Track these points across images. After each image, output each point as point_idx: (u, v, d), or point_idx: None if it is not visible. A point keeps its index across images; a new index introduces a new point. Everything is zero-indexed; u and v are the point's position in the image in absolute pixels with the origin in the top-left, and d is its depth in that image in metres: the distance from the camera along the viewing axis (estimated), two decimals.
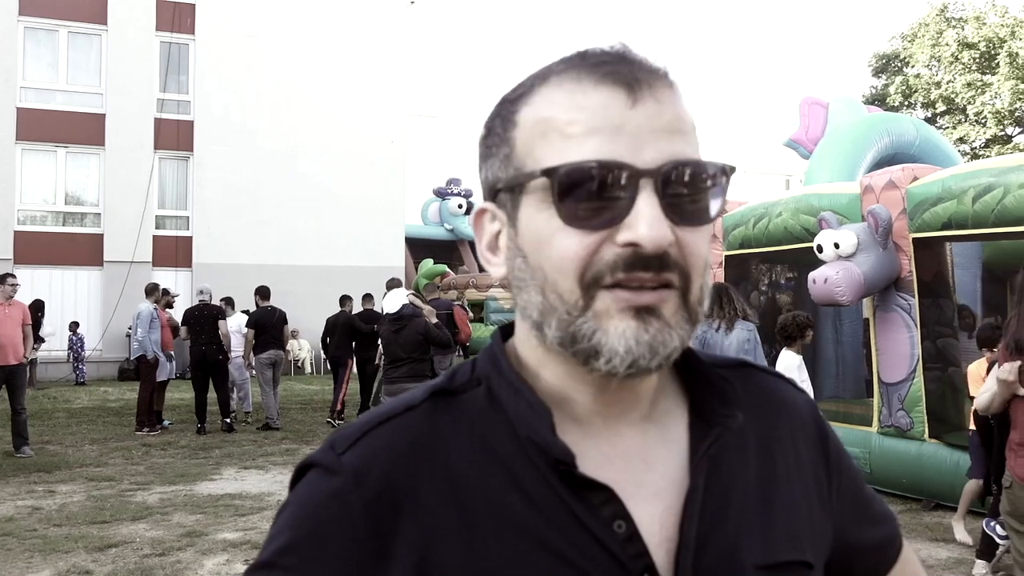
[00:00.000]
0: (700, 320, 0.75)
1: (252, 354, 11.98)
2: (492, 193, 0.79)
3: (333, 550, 0.72)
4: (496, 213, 0.79)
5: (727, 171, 0.75)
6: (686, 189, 0.72)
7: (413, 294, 9.01)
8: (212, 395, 11.62)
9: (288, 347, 20.55)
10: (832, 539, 0.88)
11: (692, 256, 0.73)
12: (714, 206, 0.74)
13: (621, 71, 0.73)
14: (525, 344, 0.80)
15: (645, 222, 0.70)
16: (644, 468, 0.78)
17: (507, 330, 0.85)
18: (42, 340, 17.20)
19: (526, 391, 0.77)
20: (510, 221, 0.77)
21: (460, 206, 25.93)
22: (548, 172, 0.72)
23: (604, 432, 0.78)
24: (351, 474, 0.74)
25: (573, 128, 0.72)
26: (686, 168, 0.72)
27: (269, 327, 12.08)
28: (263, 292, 12.35)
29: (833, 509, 0.89)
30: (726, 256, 9.35)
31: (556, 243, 0.72)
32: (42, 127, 19.81)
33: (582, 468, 0.73)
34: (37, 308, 16.99)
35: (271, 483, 8.33)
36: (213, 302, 11.98)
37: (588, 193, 0.71)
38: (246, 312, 13.04)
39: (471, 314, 17.82)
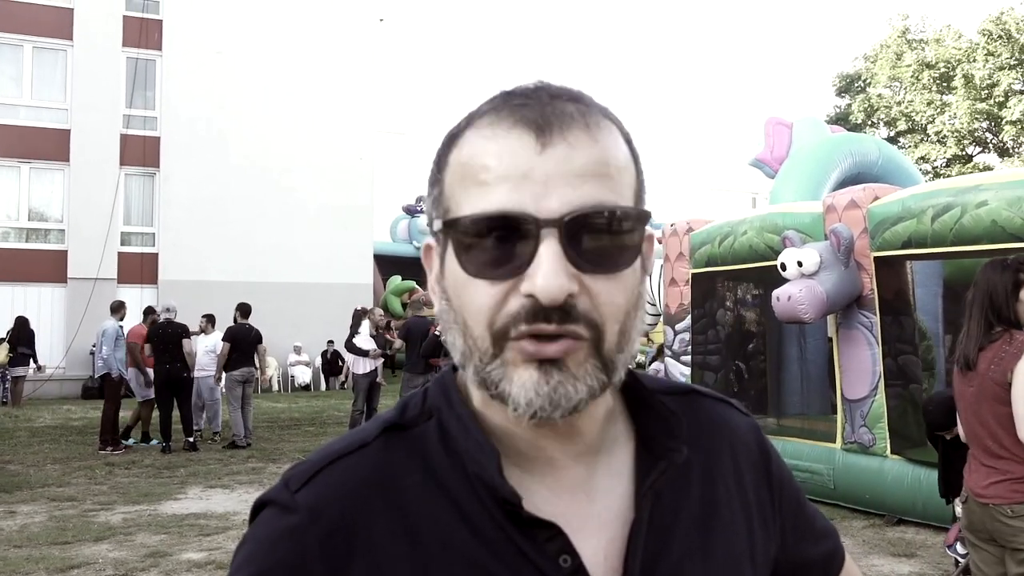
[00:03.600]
0: (618, 367, 0.74)
1: (223, 371, 11.91)
2: (432, 233, 0.80)
3: None
4: (435, 250, 0.80)
5: (642, 216, 0.74)
6: (596, 237, 0.71)
7: (382, 315, 8.96)
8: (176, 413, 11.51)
9: (257, 365, 20.51)
10: (776, 558, 0.90)
11: (604, 305, 0.72)
12: (630, 253, 0.74)
13: (532, 115, 0.72)
14: None
15: (541, 273, 0.69)
16: (588, 501, 0.79)
17: None
18: (35, 360, 16.93)
19: (474, 429, 0.77)
20: (440, 262, 0.77)
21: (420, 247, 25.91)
22: (449, 224, 0.73)
23: (548, 468, 0.79)
24: (305, 512, 0.75)
25: (484, 175, 0.72)
26: (592, 216, 0.71)
27: (245, 344, 12.04)
28: (244, 309, 12.28)
29: (776, 529, 0.90)
30: (692, 274, 9.44)
31: (468, 291, 0.73)
32: (6, 142, 19.57)
33: (528, 504, 0.74)
34: (22, 325, 16.74)
35: (236, 502, 8.26)
36: (177, 320, 11.87)
37: (493, 243, 0.71)
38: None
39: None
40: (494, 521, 0.74)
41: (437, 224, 0.76)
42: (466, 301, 0.73)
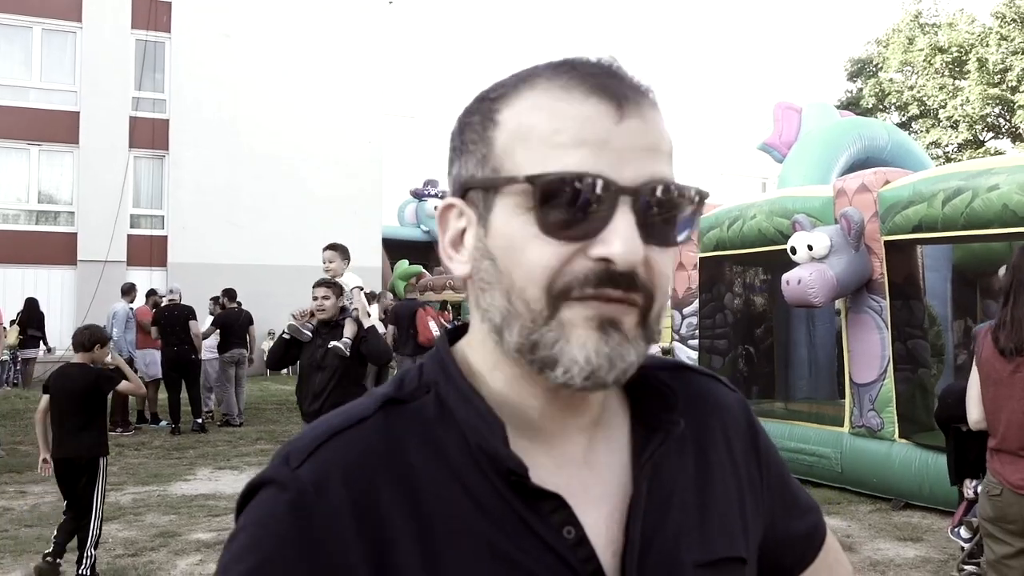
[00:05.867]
0: (655, 339, 0.77)
1: (217, 352, 12.28)
2: (462, 190, 0.78)
3: (301, 567, 0.71)
4: (464, 210, 0.79)
5: (702, 195, 0.76)
6: (661, 210, 0.73)
7: (392, 300, 8.84)
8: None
9: (264, 347, 20.56)
10: (763, 532, 0.91)
11: (659, 276, 0.74)
12: (683, 229, 0.76)
13: (610, 85, 0.74)
14: (479, 347, 0.80)
15: (620, 239, 0.70)
16: (589, 473, 0.80)
17: (453, 333, 0.85)
18: (44, 341, 16.99)
19: (476, 400, 0.77)
20: (480, 221, 0.77)
21: (437, 208, 25.86)
22: (531, 179, 0.72)
23: (553, 438, 0.79)
24: (310, 487, 0.73)
25: (558, 137, 0.72)
26: (664, 189, 0.73)
27: (236, 327, 12.38)
28: (230, 294, 12.68)
29: (764, 504, 0.91)
30: (701, 258, 9.42)
31: (529, 250, 0.72)
32: (15, 125, 19.60)
33: (532, 476, 0.74)
34: (32, 307, 16.81)
35: (245, 483, 8.28)
36: (183, 302, 11.93)
37: (568, 204, 0.71)
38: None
39: (450, 315, 17.80)
40: (497, 493, 0.74)
41: (486, 181, 0.76)
42: (523, 261, 0.73)
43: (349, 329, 5.71)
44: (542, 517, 0.74)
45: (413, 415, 0.78)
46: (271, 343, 21.06)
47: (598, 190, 0.70)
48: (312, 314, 5.88)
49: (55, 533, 5.39)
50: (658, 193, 0.72)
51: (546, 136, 0.72)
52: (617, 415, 0.84)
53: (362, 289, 6.27)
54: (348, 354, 5.60)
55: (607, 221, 0.71)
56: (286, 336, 5.96)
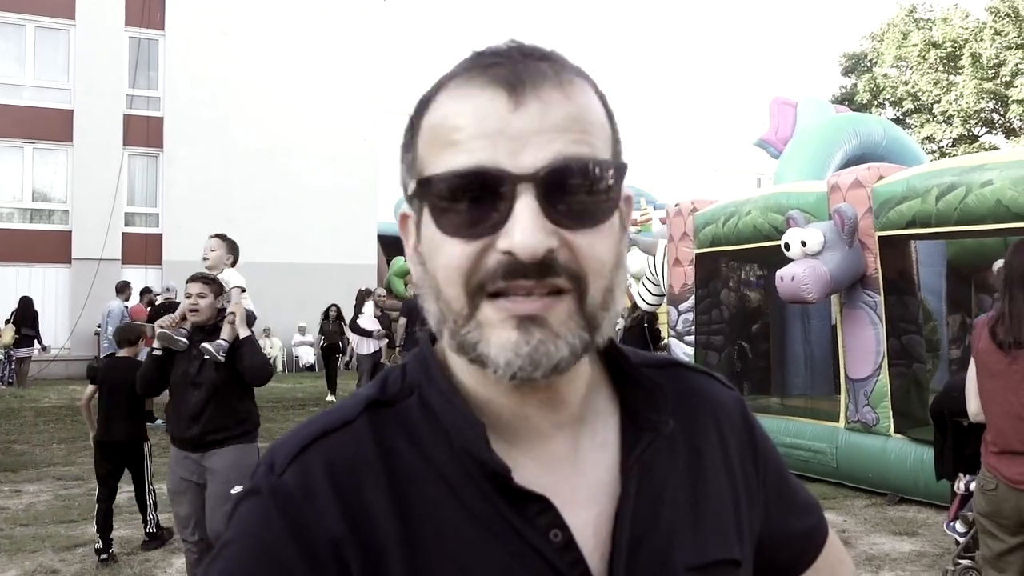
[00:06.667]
0: (602, 324, 0.73)
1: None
2: (407, 199, 0.79)
3: (296, 569, 0.71)
4: (411, 219, 0.79)
5: (620, 168, 0.73)
6: (574, 190, 0.70)
7: (384, 296, 8.57)
8: None
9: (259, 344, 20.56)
10: (759, 532, 0.90)
11: (587, 259, 0.71)
12: (608, 206, 0.72)
13: (504, 73, 0.71)
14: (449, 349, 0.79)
15: (519, 229, 0.68)
16: (575, 473, 0.78)
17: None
18: (39, 341, 16.98)
19: (458, 402, 0.76)
20: (416, 229, 0.77)
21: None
22: (423, 182, 0.72)
23: (534, 437, 0.78)
24: (297, 492, 0.73)
25: (456, 135, 0.71)
26: (569, 169, 0.69)
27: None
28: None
29: (760, 501, 0.90)
30: (697, 254, 9.43)
31: (443, 251, 0.72)
32: (9, 123, 19.55)
33: (517, 477, 0.73)
34: (26, 306, 16.78)
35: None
36: (178, 300, 11.90)
37: (468, 201, 0.70)
38: None
39: None
40: (484, 496, 0.73)
41: (412, 187, 0.75)
42: (441, 263, 0.72)
43: (227, 331, 4.71)
44: (528, 520, 0.73)
45: (398, 418, 0.78)
46: (267, 341, 21.03)
47: (494, 182, 0.69)
48: (184, 318, 4.83)
49: (96, 531, 5.79)
50: (563, 175, 0.69)
51: (447, 136, 0.72)
52: (605, 413, 0.82)
53: (244, 291, 5.20)
54: (222, 359, 4.59)
55: (509, 212, 0.69)
56: (157, 351, 4.76)
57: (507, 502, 0.73)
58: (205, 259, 5.41)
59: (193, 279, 4.77)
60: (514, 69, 0.72)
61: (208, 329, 4.70)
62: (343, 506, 0.72)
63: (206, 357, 4.59)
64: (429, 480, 0.74)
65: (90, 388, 6.20)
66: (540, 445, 0.78)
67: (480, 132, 0.70)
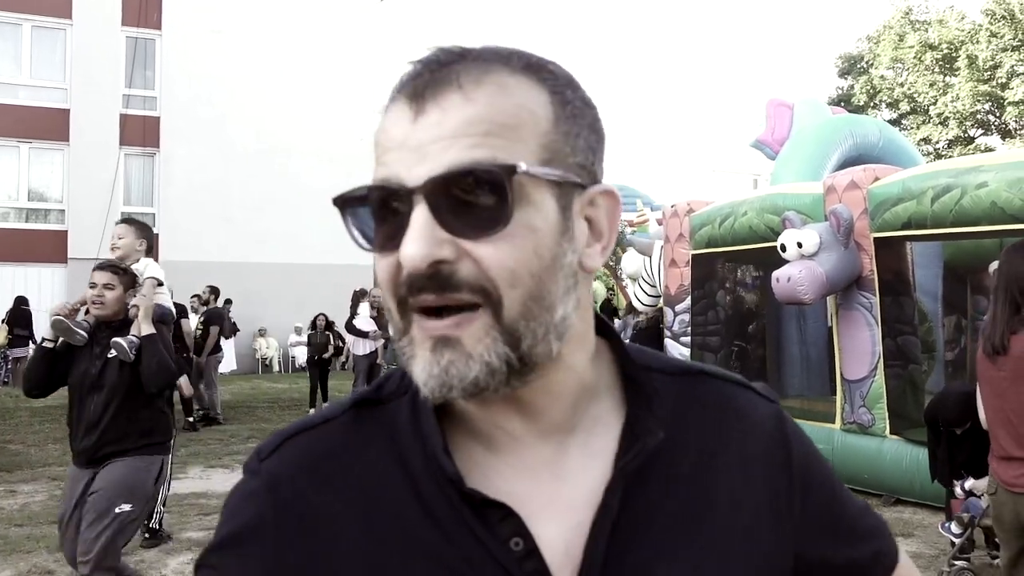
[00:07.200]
0: (526, 338, 0.69)
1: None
2: None
3: (248, 551, 0.75)
4: None
5: (506, 170, 0.67)
6: (465, 197, 0.67)
7: (379, 296, 8.49)
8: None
9: (255, 345, 20.54)
10: (793, 560, 0.83)
11: (493, 269, 0.67)
12: (504, 211, 0.67)
13: (413, 84, 0.71)
14: None
15: (405, 240, 0.67)
16: (556, 482, 0.75)
17: None
18: (33, 340, 16.95)
19: (426, 406, 0.75)
20: None
21: None
22: (335, 202, 0.73)
23: (512, 446, 0.76)
24: (266, 478, 0.77)
25: (379, 151, 0.73)
26: (452, 176, 0.67)
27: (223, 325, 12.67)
28: (216, 291, 12.98)
29: (793, 528, 0.83)
30: (693, 255, 9.44)
31: (377, 265, 0.72)
32: (5, 122, 19.52)
33: (487, 483, 0.73)
34: (19, 305, 16.74)
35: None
36: (174, 300, 11.91)
37: (381, 215, 0.70)
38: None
39: None
40: (449, 501, 0.73)
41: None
42: (379, 278, 0.73)
43: (137, 326, 4.15)
44: (489, 527, 0.72)
45: (384, 417, 0.78)
46: (263, 341, 20.98)
47: (391, 195, 0.69)
48: (85, 305, 4.21)
49: None
50: (451, 183, 0.67)
51: (376, 153, 0.73)
52: (607, 421, 0.78)
53: (160, 284, 4.76)
54: (133, 357, 4.05)
55: (407, 224, 0.68)
56: (49, 343, 4.12)
57: (471, 509, 0.72)
58: (115, 248, 4.91)
59: (101, 267, 4.17)
60: (420, 79, 0.71)
61: (116, 325, 4.16)
62: (301, 502, 0.75)
63: (111, 355, 4.05)
64: (396, 480, 0.75)
65: None
66: (516, 452, 0.76)
67: (389, 146, 0.71)
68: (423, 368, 0.69)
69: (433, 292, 0.68)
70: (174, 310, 4.89)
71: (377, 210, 0.71)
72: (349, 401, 0.81)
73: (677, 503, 0.77)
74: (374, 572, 0.72)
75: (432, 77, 0.71)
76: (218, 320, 12.40)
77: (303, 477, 0.76)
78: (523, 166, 0.67)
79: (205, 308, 12.77)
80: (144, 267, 4.82)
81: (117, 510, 3.91)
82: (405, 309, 0.70)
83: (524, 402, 0.74)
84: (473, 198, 0.67)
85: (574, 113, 0.74)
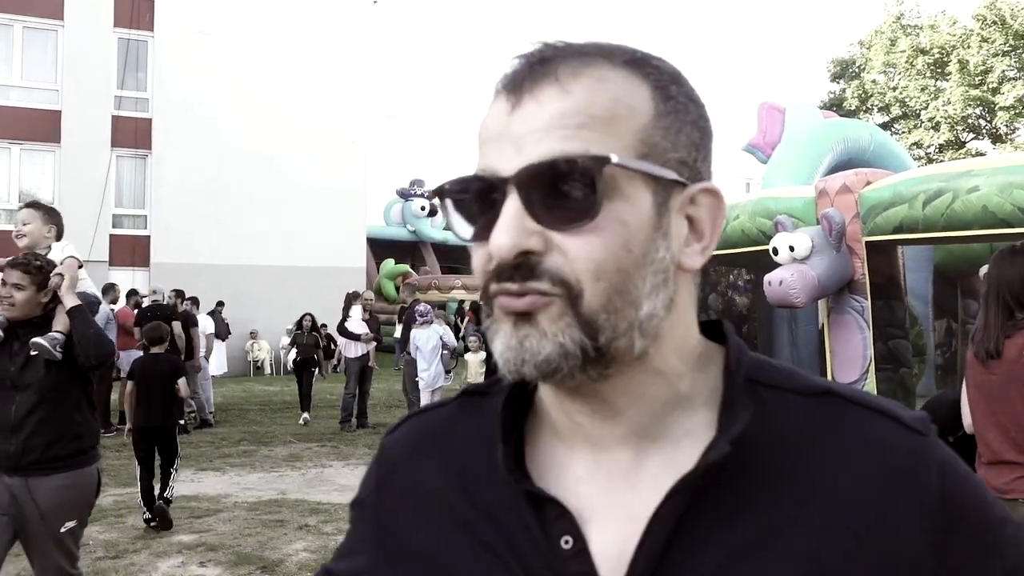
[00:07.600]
0: (605, 330, 0.68)
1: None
2: None
3: (362, 513, 0.87)
4: None
5: (597, 161, 0.67)
6: (556, 188, 0.67)
7: (372, 299, 8.52)
8: None
9: (247, 348, 20.51)
10: None
11: (579, 261, 0.67)
12: (594, 203, 0.67)
13: (510, 76, 0.72)
14: None
15: (496, 231, 0.68)
16: (627, 489, 0.73)
17: None
18: None
19: (503, 400, 0.78)
20: None
21: (423, 208, 25.72)
22: (435, 193, 0.75)
23: (591, 447, 0.75)
24: (383, 450, 0.89)
25: (479, 142, 0.73)
26: (545, 167, 0.67)
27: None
28: (181, 293, 12.79)
29: None
30: None
31: (473, 256, 0.74)
32: None
33: (558, 481, 0.74)
34: None
35: (228, 485, 8.26)
36: (166, 302, 11.88)
37: (477, 206, 0.71)
38: (210, 314, 13.12)
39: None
40: (513, 492, 0.75)
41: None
42: (473, 265, 0.74)
43: (61, 321, 3.79)
44: (543, 522, 0.72)
45: (484, 408, 0.82)
46: (255, 343, 20.94)
47: (487, 185, 0.70)
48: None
49: (140, 499, 6.68)
50: (542, 174, 0.67)
51: (478, 144, 0.74)
52: (698, 436, 0.73)
53: (77, 260, 4.26)
54: (59, 355, 3.70)
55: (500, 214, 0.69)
56: None
57: (529, 502, 0.74)
58: (19, 236, 4.48)
59: (13, 265, 3.80)
60: (520, 71, 0.72)
61: (35, 323, 3.79)
62: (397, 475, 0.85)
63: (33, 353, 3.69)
64: (480, 471, 0.79)
65: (130, 384, 7.05)
66: (596, 456, 0.75)
67: (487, 138, 0.72)
68: (502, 341, 0.70)
69: (516, 281, 0.68)
70: (100, 295, 4.50)
71: (475, 201, 0.72)
72: (461, 391, 0.88)
73: (751, 532, 0.70)
74: (439, 548, 0.78)
75: (531, 70, 0.71)
76: (192, 322, 12.33)
77: (406, 454, 0.85)
78: (615, 158, 0.67)
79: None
80: (62, 248, 4.40)
81: (63, 529, 3.76)
82: (490, 296, 0.72)
83: (603, 399, 0.73)
84: (565, 190, 0.67)
85: (677, 108, 0.73)
